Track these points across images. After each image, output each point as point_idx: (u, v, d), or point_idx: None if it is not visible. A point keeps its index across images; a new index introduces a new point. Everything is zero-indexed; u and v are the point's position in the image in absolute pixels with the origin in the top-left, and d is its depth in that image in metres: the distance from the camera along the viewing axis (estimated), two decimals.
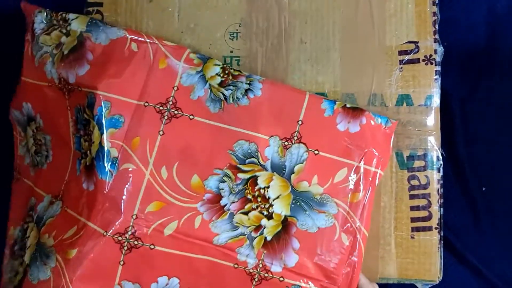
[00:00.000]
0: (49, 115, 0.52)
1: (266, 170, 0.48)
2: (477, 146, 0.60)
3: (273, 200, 0.48)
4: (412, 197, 0.51)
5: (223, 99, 0.49)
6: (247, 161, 0.48)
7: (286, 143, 0.48)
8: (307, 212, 0.48)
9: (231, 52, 0.52)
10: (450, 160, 0.58)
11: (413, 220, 0.51)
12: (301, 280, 0.48)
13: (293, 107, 0.49)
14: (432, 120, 0.51)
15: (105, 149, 0.46)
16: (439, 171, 0.51)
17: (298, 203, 0.48)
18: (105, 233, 0.46)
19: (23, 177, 0.55)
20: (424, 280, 0.50)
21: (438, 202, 0.51)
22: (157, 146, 0.48)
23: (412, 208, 0.51)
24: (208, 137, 0.48)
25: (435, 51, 0.51)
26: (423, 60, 0.51)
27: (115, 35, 0.48)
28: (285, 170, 0.48)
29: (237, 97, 0.49)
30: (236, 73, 0.50)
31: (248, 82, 0.49)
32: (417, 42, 0.51)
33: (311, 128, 0.49)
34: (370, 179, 0.49)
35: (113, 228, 0.46)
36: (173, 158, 0.48)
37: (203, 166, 0.48)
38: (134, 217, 0.47)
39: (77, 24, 0.49)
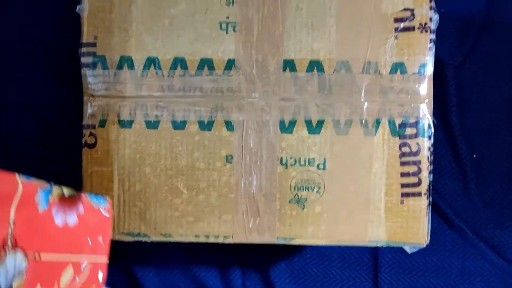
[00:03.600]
0: None
1: None
2: (470, 114, 0.61)
3: None
4: (402, 163, 0.52)
5: None
6: None
7: None
8: None
9: (227, 18, 0.52)
10: (443, 127, 0.58)
11: (403, 186, 0.52)
12: None
13: (2, 204, 0.37)
14: (425, 88, 0.51)
15: None
16: (430, 139, 0.52)
17: None
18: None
19: None
20: (412, 243, 0.52)
21: (428, 168, 0.52)
22: None
23: (403, 175, 0.52)
24: None
25: (430, 19, 0.51)
26: (418, 28, 0.51)
27: None
28: None
29: None
30: None
31: None
32: (413, 10, 0.51)
33: (27, 228, 0.39)
34: (100, 270, 0.44)
35: None
36: None
37: None
38: None
39: None
